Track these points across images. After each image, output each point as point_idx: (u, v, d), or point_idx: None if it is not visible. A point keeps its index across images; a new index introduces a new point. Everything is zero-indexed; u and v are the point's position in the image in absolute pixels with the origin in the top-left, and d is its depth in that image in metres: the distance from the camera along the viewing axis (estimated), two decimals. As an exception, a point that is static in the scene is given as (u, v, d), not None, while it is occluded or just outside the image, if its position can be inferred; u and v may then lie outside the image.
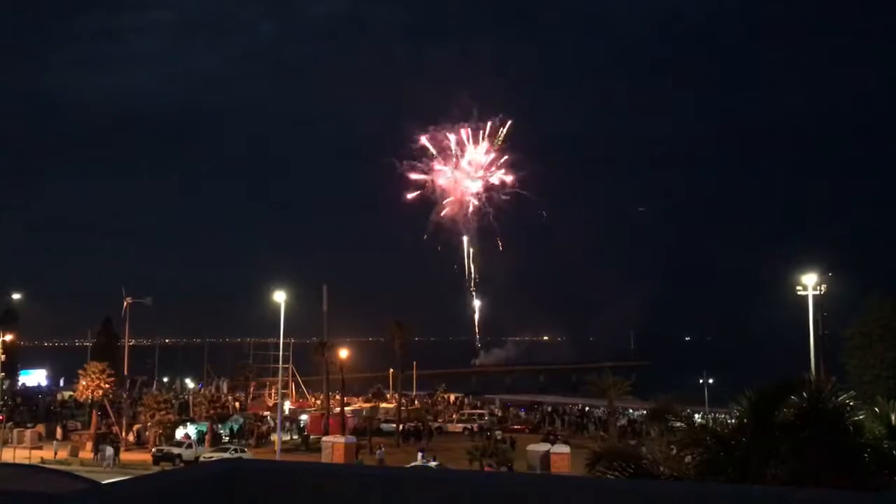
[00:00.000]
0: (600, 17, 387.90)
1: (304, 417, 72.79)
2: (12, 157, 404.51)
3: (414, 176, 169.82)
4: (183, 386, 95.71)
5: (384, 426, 70.77)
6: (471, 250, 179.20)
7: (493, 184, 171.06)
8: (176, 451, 53.22)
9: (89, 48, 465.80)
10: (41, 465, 40.52)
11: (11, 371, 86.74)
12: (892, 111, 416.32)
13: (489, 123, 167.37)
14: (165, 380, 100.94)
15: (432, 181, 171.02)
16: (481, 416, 79.19)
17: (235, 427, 66.31)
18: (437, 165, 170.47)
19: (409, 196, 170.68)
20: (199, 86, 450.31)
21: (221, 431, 64.24)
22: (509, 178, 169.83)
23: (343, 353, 76.70)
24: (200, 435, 60.63)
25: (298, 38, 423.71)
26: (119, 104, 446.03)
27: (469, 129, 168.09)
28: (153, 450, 55.18)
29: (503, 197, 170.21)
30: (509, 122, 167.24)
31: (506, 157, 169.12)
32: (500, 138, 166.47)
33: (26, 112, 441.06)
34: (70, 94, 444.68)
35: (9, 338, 68.04)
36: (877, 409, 13.72)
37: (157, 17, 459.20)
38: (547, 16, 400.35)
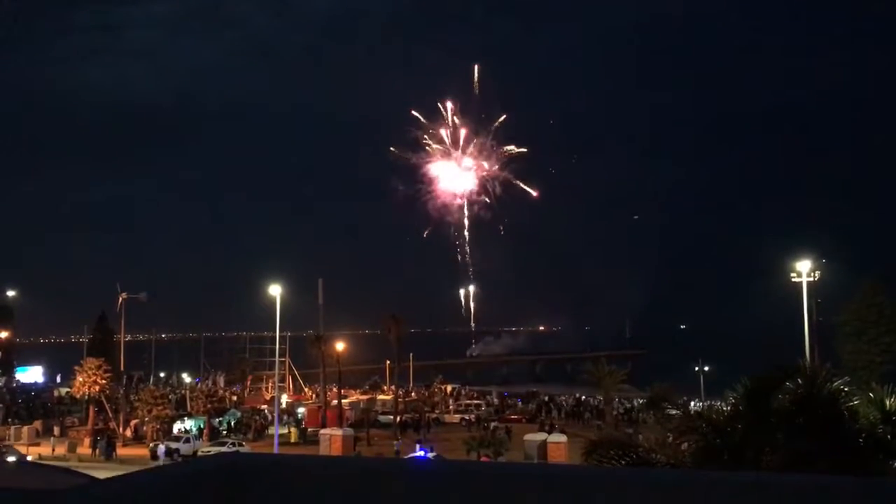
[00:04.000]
0: (598, 6, 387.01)
1: (301, 410, 72.92)
2: (5, 152, 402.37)
3: (410, 167, 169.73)
4: (180, 381, 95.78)
5: (382, 418, 70.92)
6: (466, 241, 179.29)
7: (489, 174, 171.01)
8: (174, 445, 53.28)
9: (85, 42, 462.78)
10: (38, 461, 40.54)
11: (8, 368, 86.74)
12: (890, 99, 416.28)
13: (487, 113, 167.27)
14: (162, 375, 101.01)
15: (429, 172, 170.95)
16: (478, 406, 79.45)
17: (233, 421, 66.38)
18: (433, 156, 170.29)
19: (406, 188, 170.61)
20: (196, 79, 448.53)
21: (222, 426, 64.39)
22: (505, 169, 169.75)
23: (339, 346, 76.76)
24: (198, 429, 60.72)
25: (295, 31, 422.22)
26: (115, 98, 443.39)
27: (467, 120, 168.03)
28: (151, 444, 55.23)
29: (497, 188, 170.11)
30: (505, 114, 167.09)
31: (502, 147, 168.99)
32: (495, 129, 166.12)
33: (21, 107, 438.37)
34: (66, 89, 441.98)
35: (4, 335, 68.04)
36: (871, 395, 13.77)
37: (154, 10, 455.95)
38: (544, 5, 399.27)
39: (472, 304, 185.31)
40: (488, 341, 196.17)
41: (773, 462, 10.75)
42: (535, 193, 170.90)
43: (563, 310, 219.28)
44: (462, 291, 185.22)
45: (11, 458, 44.56)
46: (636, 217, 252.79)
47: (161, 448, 51.90)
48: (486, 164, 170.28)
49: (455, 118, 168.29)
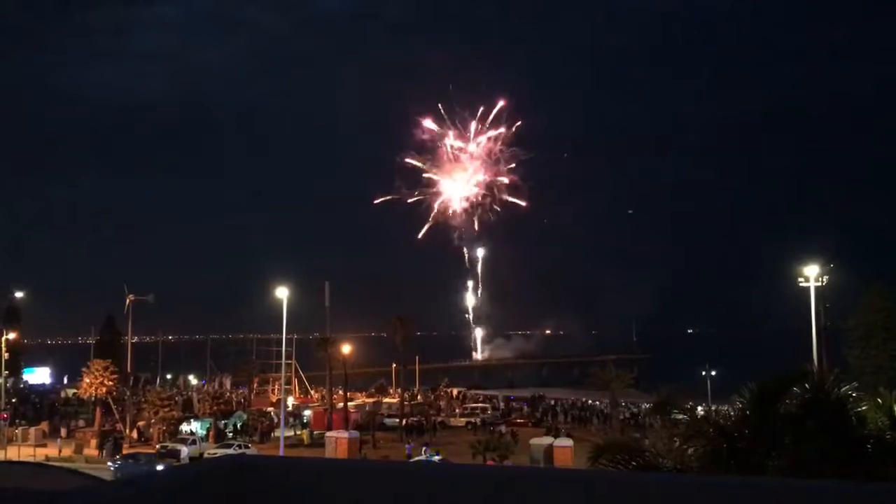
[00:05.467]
0: (601, 7, 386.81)
1: (307, 413, 72.98)
2: (14, 154, 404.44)
3: (416, 170, 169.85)
4: (186, 382, 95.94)
5: (387, 421, 70.87)
6: (473, 244, 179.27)
7: (494, 178, 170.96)
8: (180, 447, 53.28)
9: (94, 44, 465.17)
10: (45, 462, 40.66)
11: (15, 369, 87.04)
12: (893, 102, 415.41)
13: (492, 116, 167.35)
14: (169, 377, 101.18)
15: (434, 176, 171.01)
16: (484, 410, 79.33)
17: (239, 423, 66.45)
18: (438, 160, 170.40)
19: (411, 191, 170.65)
20: (203, 82, 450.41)
21: (227, 428, 64.42)
22: (512, 174, 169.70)
23: (346, 349, 76.79)
24: (205, 431, 60.84)
25: (303, 34, 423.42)
26: (123, 100, 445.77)
27: (471, 123, 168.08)
28: (157, 446, 55.28)
29: (505, 193, 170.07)
30: (512, 116, 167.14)
31: (509, 150, 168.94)
32: (503, 131, 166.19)
33: (29, 108, 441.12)
34: (74, 90, 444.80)
35: (12, 336, 68.12)
36: (879, 400, 13.73)
37: (163, 12, 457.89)
38: (548, 8, 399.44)
39: (479, 307, 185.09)
40: (498, 344, 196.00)
41: (780, 467, 10.71)
42: (546, 219, 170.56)
43: (570, 313, 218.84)
44: (469, 295, 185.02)
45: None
46: (630, 212, 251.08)
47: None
48: (493, 168, 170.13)
49: (461, 122, 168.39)
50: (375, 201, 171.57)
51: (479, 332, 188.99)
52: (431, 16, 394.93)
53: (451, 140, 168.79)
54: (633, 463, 11.37)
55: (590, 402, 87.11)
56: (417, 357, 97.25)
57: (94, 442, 57.52)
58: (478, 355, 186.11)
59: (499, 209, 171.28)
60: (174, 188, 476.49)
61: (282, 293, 57.76)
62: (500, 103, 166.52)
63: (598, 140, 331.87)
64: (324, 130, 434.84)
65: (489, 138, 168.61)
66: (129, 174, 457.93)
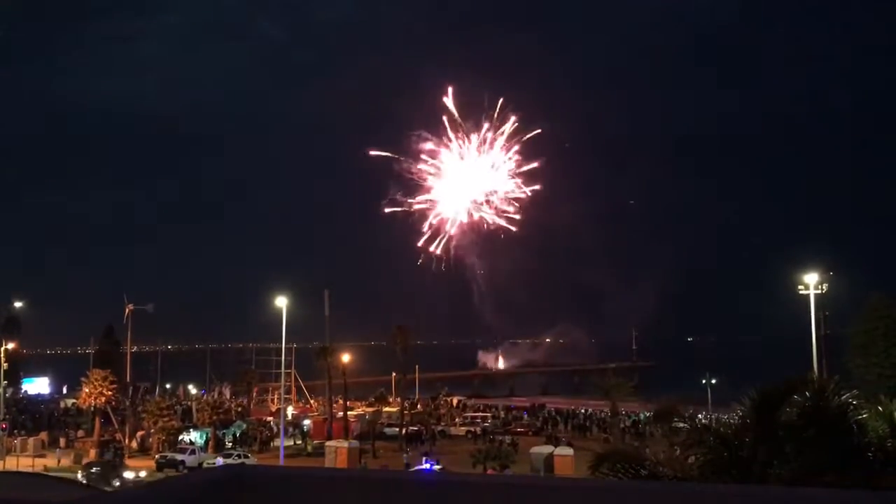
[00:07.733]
0: (612, 8, 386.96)
1: (307, 422, 72.78)
2: (14, 162, 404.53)
3: (416, 178, 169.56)
4: (186, 392, 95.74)
5: (387, 430, 70.68)
6: (474, 252, 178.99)
7: (495, 185, 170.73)
8: (179, 457, 53.16)
9: (98, 53, 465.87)
10: (44, 473, 40.52)
11: (14, 379, 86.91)
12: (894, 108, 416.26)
13: (493, 122, 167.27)
14: (168, 386, 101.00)
15: (434, 183, 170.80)
16: (484, 418, 79.19)
17: (238, 433, 66.30)
18: (439, 165, 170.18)
19: (411, 199, 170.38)
20: (204, 89, 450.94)
21: (226, 437, 64.27)
22: (514, 179, 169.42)
23: (345, 358, 76.61)
24: (205, 441, 60.68)
25: (307, 43, 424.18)
26: (123, 109, 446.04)
27: (472, 130, 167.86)
28: (156, 456, 55.13)
29: (505, 200, 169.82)
30: (515, 120, 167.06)
31: (511, 158, 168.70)
32: (506, 135, 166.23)
33: (32, 116, 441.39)
34: (76, 99, 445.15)
35: (11, 346, 67.99)
36: (880, 408, 13.74)
37: (167, 21, 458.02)
38: (553, 11, 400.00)
39: (479, 316, 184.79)
40: (502, 352, 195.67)
41: (781, 475, 10.69)
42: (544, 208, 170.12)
43: (570, 321, 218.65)
44: (469, 303, 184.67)
45: None
46: (632, 202, 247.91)
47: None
48: (494, 175, 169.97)
49: (461, 128, 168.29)
50: (375, 210, 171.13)
51: (481, 341, 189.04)
52: (433, 22, 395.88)
53: (451, 147, 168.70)
54: (634, 472, 11.35)
55: (590, 410, 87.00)
56: (417, 366, 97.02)
57: (93, 452, 57.31)
58: (480, 362, 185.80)
59: (499, 217, 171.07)
60: (174, 196, 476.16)
61: (281, 302, 57.77)
62: (499, 107, 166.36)
63: (599, 146, 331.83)
64: (326, 138, 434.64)
65: (490, 145, 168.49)
66: (130, 183, 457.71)
